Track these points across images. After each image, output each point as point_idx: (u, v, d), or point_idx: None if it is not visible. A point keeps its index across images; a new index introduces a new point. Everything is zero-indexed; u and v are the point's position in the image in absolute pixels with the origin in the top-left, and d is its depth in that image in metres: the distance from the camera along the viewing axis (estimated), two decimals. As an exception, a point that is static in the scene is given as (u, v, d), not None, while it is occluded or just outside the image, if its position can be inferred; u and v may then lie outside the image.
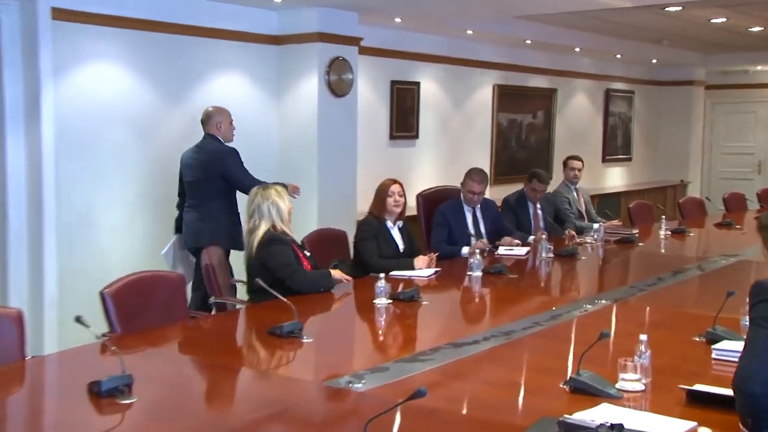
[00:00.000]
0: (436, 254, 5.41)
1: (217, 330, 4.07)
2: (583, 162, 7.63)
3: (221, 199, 5.84)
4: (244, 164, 5.84)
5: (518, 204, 6.83)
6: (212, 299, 4.62)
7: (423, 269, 5.14)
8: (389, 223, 5.42)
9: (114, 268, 5.78)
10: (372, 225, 5.35)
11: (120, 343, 3.37)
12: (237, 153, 5.84)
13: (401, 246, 5.43)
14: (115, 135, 6.33)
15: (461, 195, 6.18)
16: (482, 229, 6.16)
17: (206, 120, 5.96)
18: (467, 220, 6.14)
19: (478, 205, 6.19)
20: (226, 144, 5.93)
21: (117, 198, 6.35)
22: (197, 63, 6.80)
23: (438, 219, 6.13)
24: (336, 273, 4.65)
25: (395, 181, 5.47)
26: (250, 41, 7.16)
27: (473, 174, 6.15)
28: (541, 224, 6.82)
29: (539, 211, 6.89)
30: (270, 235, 4.51)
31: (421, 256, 5.28)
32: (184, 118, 6.67)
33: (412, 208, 7.31)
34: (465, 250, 5.87)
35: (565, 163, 7.63)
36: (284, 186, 6.01)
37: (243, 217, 4.90)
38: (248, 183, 5.75)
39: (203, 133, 5.96)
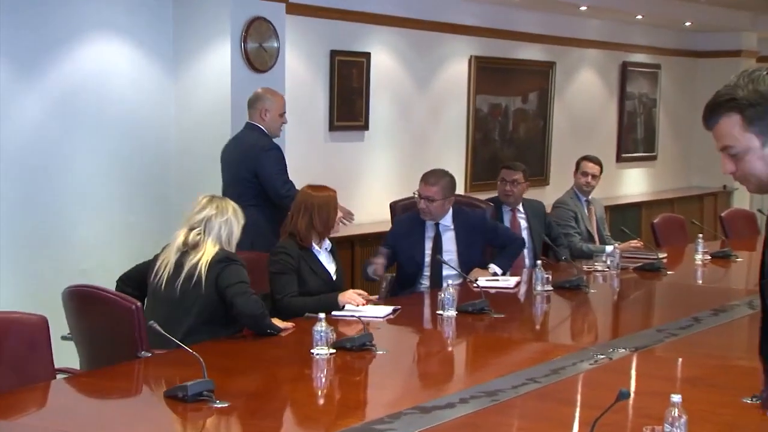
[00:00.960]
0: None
1: (94, 393, 4.05)
2: (602, 166, 7.71)
3: (263, 205, 6.15)
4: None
5: (497, 212, 6.92)
6: (143, 353, 4.40)
7: (377, 308, 5.19)
8: (315, 247, 5.42)
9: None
10: (292, 254, 5.30)
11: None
12: (278, 150, 6.24)
13: (334, 274, 5.49)
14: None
15: None
16: (447, 254, 6.07)
17: (252, 103, 6.34)
18: (424, 241, 6.13)
19: (448, 222, 6.15)
20: (268, 137, 6.27)
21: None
22: (60, 24, 6.74)
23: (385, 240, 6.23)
24: (278, 322, 4.73)
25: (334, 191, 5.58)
26: (136, -6, 7.16)
27: (425, 173, 6.21)
28: (525, 234, 6.87)
29: (520, 218, 6.97)
30: (226, 254, 4.72)
31: (349, 291, 5.29)
32: (42, 101, 6.60)
33: (381, 223, 7.38)
34: (426, 283, 5.97)
35: (577, 165, 7.68)
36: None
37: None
38: (283, 192, 6.09)
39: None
